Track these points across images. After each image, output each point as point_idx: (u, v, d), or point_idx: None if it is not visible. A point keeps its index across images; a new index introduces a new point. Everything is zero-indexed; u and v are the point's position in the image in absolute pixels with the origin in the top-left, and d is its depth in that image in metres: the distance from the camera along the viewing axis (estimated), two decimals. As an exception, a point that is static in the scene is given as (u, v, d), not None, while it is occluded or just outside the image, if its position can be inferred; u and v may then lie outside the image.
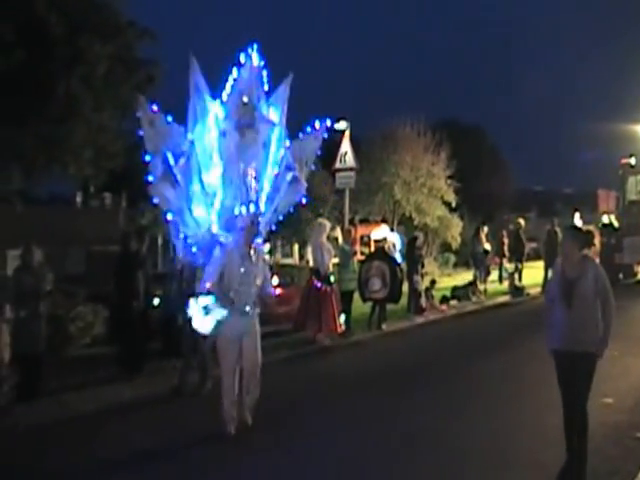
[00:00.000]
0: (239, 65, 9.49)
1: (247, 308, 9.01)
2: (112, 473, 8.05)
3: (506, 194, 46.25)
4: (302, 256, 19.95)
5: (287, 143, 10.09)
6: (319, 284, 16.04)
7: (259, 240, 9.32)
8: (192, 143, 9.54)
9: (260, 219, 9.24)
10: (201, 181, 9.58)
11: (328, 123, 10.62)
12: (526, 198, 47.96)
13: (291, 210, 10.53)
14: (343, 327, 16.25)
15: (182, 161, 9.52)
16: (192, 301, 9.11)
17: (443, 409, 10.30)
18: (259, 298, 9.19)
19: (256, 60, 9.51)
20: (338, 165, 21.29)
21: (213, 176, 9.66)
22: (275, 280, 17.80)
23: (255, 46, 9.46)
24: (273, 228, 10.53)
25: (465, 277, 25.96)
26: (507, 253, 27.48)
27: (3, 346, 10.52)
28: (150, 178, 9.66)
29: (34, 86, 14.35)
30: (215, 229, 9.64)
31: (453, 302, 22.94)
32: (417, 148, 33.28)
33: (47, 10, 14.21)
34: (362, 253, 19.22)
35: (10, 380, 10.65)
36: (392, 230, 22.88)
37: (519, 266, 26.02)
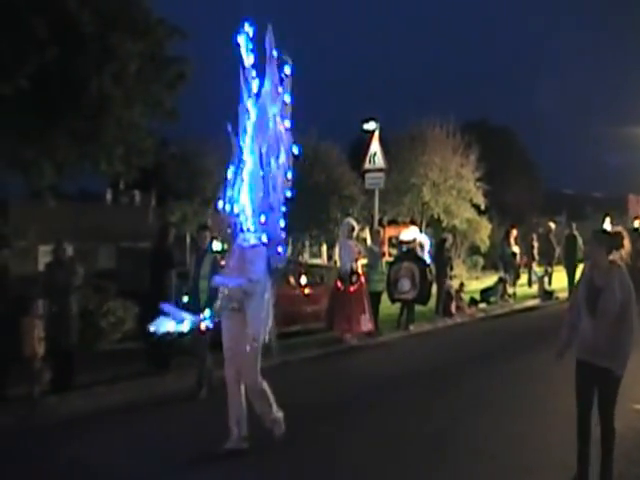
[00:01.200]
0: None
1: (230, 306, 8.42)
2: (143, 466, 8.07)
3: (535, 197, 45.98)
4: (330, 256, 19.94)
5: (275, 109, 8.35)
6: (339, 284, 16.06)
7: (247, 236, 8.41)
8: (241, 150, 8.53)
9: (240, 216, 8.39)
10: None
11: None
12: (555, 201, 47.64)
13: (288, 195, 8.49)
14: (370, 326, 16.17)
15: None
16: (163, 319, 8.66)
17: (470, 411, 10.21)
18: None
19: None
20: (367, 166, 21.30)
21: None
22: (304, 279, 17.92)
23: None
24: (282, 225, 8.67)
25: (493, 280, 25.79)
26: (537, 257, 27.29)
27: (37, 341, 10.63)
28: None
29: (66, 83, 14.39)
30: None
31: (482, 305, 22.84)
32: (446, 149, 33.24)
33: (79, 7, 14.24)
34: (390, 254, 19.13)
35: (44, 374, 10.74)
36: (421, 232, 22.83)
37: (549, 270, 25.81)
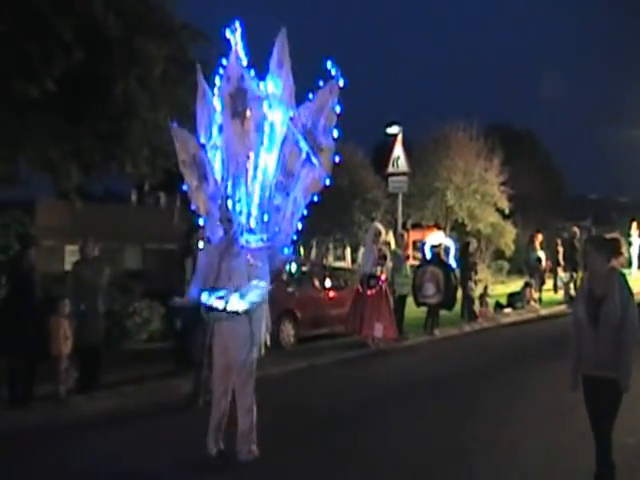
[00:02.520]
0: (226, 52, 8.58)
1: (229, 310, 7.98)
2: (167, 466, 8.10)
3: (560, 202, 45.74)
4: (354, 259, 19.97)
5: (291, 113, 8.43)
6: (359, 288, 16.09)
7: (249, 237, 8.33)
8: (203, 147, 8.83)
9: (242, 216, 8.33)
10: (216, 183, 8.74)
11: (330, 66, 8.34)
12: (581, 206, 47.40)
13: (315, 199, 8.60)
14: (390, 332, 16.13)
15: (200, 170, 8.84)
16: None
17: (493, 418, 10.15)
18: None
19: (233, 39, 8.48)
20: (391, 169, 21.33)
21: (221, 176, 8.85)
22: (328, 282, 17.94)
23: (237, 26, 8.46)
24: (299, 226, 8.76)
25: (519, 285, 25.70)
26: (562, 262, 27.14)
27: (63, 340, 10.71)
28: (185, 187, 9.08)
29: (92, 86, 14.55)
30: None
31: (507, 310, 22.75)
32: (470, 153, 33.18)
33: (105, 12, 14.38)
34: (415, 258, 19.13)
35: (70, 373, 10.84)
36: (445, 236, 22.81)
37: (574, 275, 25.62)
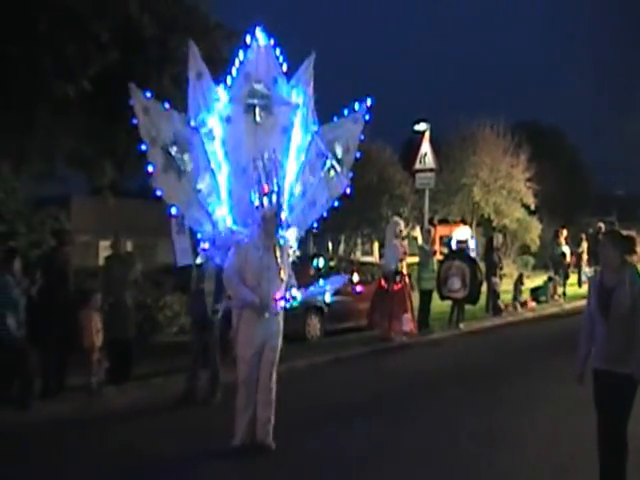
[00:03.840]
0: (245, 47, 8.58)
1: (270, 308, 8.21)
2: (196, 457, 8.25)
3: (586, 197, 45.55)
4: (382, 255, 20.11)
5: (315, 127, 8.96)
6: (382, 282, 16.25)
7: (284, 233, 8.50)
8: (197, 130, 8.51)
9: (283, 211, 8.40)
10: (211, 170, 8.59)
11: (369, 102, 9.20)
12: (606, 202, 47.01)
13: (335, 204, 9.12)
14: (411, 326, 16.37)
15: (186, 154, 8.48)
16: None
17: (517, 410, 10.23)
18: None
19: (263, 40, 8.53)
20: (418, 166, 21.43)
21: (220, 165, 8.71)
22: (356, 277, 18.10)
23: (260, 26, 8.56)
24: (315, 225, 9.22)
25: (543, 280, 25.70)
26: (586, 257, 27.17)
27: (95, 332, 10.93)
28: (150, 168, 8.38)
29: (127, 84, 14.82)
30: (229, 223, 8.62)
31: (532, 304, 22.84)
32: (496, 150, 33.14)
33: (140, 12, 14.63)
34: (442, 253, 19.27)
35: (102, 365, 11.10)
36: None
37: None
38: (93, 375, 10.92)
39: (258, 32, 8.57)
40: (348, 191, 9.17)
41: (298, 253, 8.91)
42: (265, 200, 8.24)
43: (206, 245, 8.82)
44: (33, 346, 10.35)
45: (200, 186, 8.55)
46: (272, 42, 8.60)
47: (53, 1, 13.43)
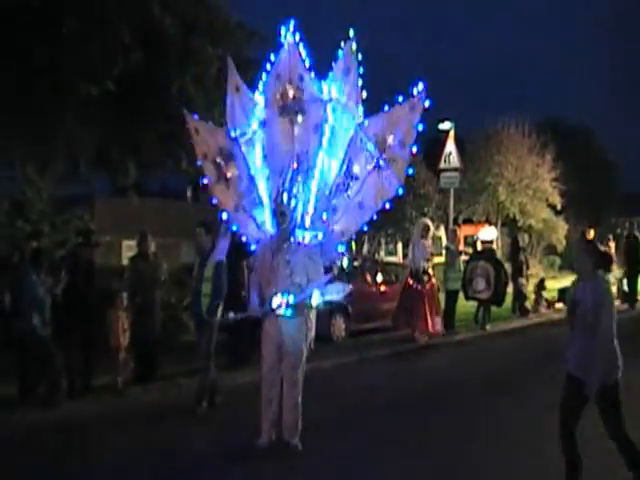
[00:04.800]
0: (275, 47, 8.67)
1: (283, 308, 8.16)
2: (222, 457, 8.23)
3: (614, 197, 45.18)
4: (405, 255, 20.07)
5: (359, 120, 8.47)
6: (410, 282, 16.18)
7: (305, 233, 8.42)
8: (236, 141, 8.87)
9: (307, 212, 8.40)
10: (252, 177, 8.85)
11: (420, 87, 8.07)
12: (635, 202, 46.62)
13: (387, 207, 8.46)
14: (439, 327, 16.27)
15: (230, 164, 8.97)
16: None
17: (543, 413, 10.01)
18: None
19: (290, 38, 8.46)
20: (443, 165, 21.35)
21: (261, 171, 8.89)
22: (380, 277, 18.08)
23: (292, 24, 8.46)
24: (365, 228, 8.92)
25: (570, 280, 25.47)
26: (614, 257, 26.89)
27: (121, 332, 10.98)
28: (205, 181, 9.27)
29: (149, 85, 14.85)
30: (269, 226, 8.72)
31: (559, 305, 22.66)
32: (521, 149, 33.02)
33: (162, 13, 14.66)
34: (467, 253, 19.16)
35: (128, 364, 11.17)
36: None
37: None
38: (119, 375, 10.99)
39: (284, 30, 8.52)
40: (400, 192, 8.33)
41: (338, 263, 8.84)
42: (278, 199, 8.37)
43: (253, 247, 9.05)
44: (59, 346, 10.36)
45: (243, 192, 8.90)
46: (297, 38, 8.47)
47: (76, 4, 13.45)
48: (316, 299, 8.17)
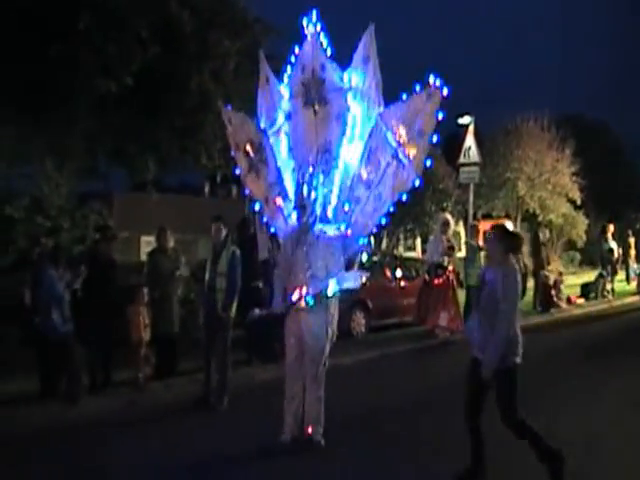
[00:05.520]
0: (297, 38, 8.61)
1: (302, 301, 8.11)
2: (241, 453, 8.15)
3: (634, 192, 44.90)
4: (425, 250, 20.01)
5: (380, 109, 8.19)
6: (426, 277, 16.10)
7: (329, 227, 8.34)
8: (264, 132, 8.88)
9: (329, 204, 8.39)
10: (278, 169, 8.87)
11: (431, 80, 7.71)
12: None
13: (403, 199, 8.15)
14: (459, 322, 16.08)
15: (258, 155, 8.97)
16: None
17: (568, 410, 9.91)
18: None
19: (311, 28, 8.42)
20: (462, 160, 21.20)
21: (287, 163, 8.92)
22: (399, 272, 18.00)
23: (314, 14, 8.41)
24: (383, 222, 8.48)
25: (591, 276, 25.39)
26: (634, 252, 26.76)
27: (142, 327, 10.96)
28: (237, 171, 9.42)
29: (168, 81, 14.85)
30: (294, 218, 8.59)
31: (580, 300, 22.58)
32: (541, 144, 32.80)
33: (179, 8, 14.66)
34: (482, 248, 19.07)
35: (149, 360, 11.14)
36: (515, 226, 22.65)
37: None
38: (140, 370, 10.97)
39: (305, 21, 8.49)
40: (417, 183, 7.97)
41: (364, 257, 8.74)
42: (299, 191, 8.34)
43: (282, 241, 8.99)
44: (80, 341, 10.37)
45: (272, 183, 8.93)
46: (318, 28, 8.42)
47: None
48: (332, 288, 8.07)
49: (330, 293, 8.11)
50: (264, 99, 9.09)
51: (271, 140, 8.88)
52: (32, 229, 16.33)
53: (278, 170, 8.84)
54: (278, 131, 8.93)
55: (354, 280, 8.37)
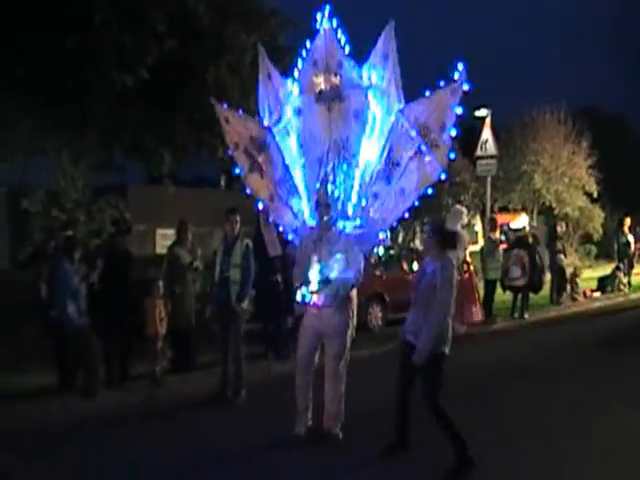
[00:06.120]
0: (310, 32, 8.51)
1: (323, 298, 8.06)
2: (257, 447, 8.13)
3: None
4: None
5: (399, 106, 8.18)
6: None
7: (349, 224, 8.34)
8: (269, 130, 8.75)
9: (350, 201, 8.36)
10: (286, 166, 8.75)
11: (460, 67, 7.68)
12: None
13: (428, 192, 8.19)
14: (479, 316, 16.07)
15: (262, 154, 8.81)
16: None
17: (587, 405, 9.83)
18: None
19: (326, 24, 8.30)
20: (479, 152, 21.14)
21: (295, 159, 8.84)
22: (416, 266, 17.90)
23: (327, 9, 8.30)
24: (406, 215, 8.51)
25: (607, 269, 25.29)
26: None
27: (158, 320, 10.95)
28: (237, 170, 9.15)
29: (184, 74, 14.83)
30: (306, 215, 8.69)
31: (596, 294, 22.50)
32: (557, 136, 32.65)
33: (196, 0, 14.64)
34: (501, 242, 19.03)
35: (166, 353, 11.14)
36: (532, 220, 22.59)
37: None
38: (157, 364, 10.97)
39: (319, 16, 8.36)
40: (443, 177, 7.99)
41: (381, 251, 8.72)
42: (322, 190, 8.28)
43: (290, 236, 8.99)
44: (96, 334, 10.37)
45: (278, 181, 8.81)
46: (334, 24, 8.31)
47: (110, -8, 13.47)
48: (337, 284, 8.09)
49: (344, 290, 8.08)
50: (267, 95, 8.93)
51: (277, 137, 8.75)
52: (48, 223, 16.36)
53: (286, 167, 8.74)
54: (285, 128, 8.78)
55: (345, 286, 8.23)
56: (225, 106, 9.33)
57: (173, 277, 11.56)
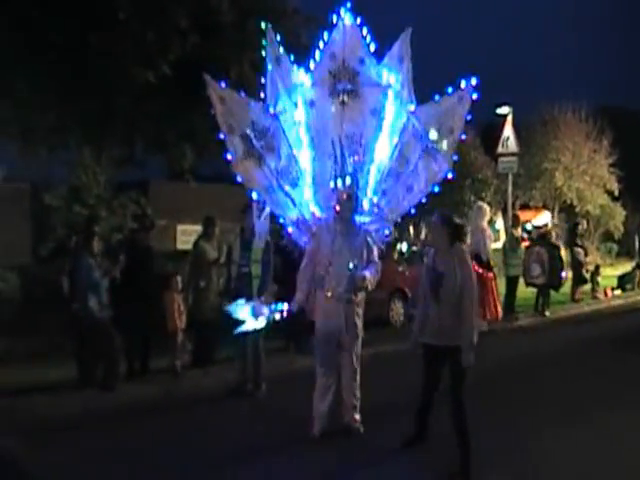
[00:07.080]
0: (330, 28, 8.43)
1: (341, 292, 8.04)
2: (279, 440, 8.21)
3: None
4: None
5: (411, 107, 8.39)
6: (480, 270, 15.94)
7: (363, 218, 8.36)
8: (276, 117, 8.55)
9: (365, 197, 8.42)
10: (293, 157, 8.62)
11: (473, 82, 8.12)
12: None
13: (435, 190, 8.46)
14: (499, 312, 16.02)
15: (263, 140, 8.57)
16: (241, 304, 8.74)
17: (605, 402, 9.81)
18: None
19: (349, 20, 8.29)
20: (500, 150, 21.16)
21: (303, 151, 8.68)
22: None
23: (348, 4, 8.29)
24: (412, 211, 8.75)
25: (628, 267, 25.22)
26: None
27: (178, 315, 11.02)
28: (229, 156, 8.69)
29: (206, 70, 14.83)
30: (313, 208, 8.63)
31: (617, 292, 22.45)
32: (578, 134, 32.59)
33: (218, -3, 14.68)
34: (524, 239, 19.08)
35: (186, 347, 11.20)
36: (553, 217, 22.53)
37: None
38: (177, 357, 11.07)
39: (343, 12, 8.34)
40: (450, 176, 8.39)
41: (382, 245, 8.70)
42: (339, 182, 8.26)
43: (290, 229, 8.83)
44: (117, 328, 10.41)
45: (280, 170, 8.63)
46: (359, 21, 8.33)
47: (133, -12, 13.51)
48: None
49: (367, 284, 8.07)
50: (275, 82, 8.67)
51: (284, 126, 8.58)
52: (70, 218, 16.43)
53: (293, 157, 8.63)
54: (292, 118, 8.63)
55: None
56: (223, 85, 8.88)
57: (198, 271, 11.59)
